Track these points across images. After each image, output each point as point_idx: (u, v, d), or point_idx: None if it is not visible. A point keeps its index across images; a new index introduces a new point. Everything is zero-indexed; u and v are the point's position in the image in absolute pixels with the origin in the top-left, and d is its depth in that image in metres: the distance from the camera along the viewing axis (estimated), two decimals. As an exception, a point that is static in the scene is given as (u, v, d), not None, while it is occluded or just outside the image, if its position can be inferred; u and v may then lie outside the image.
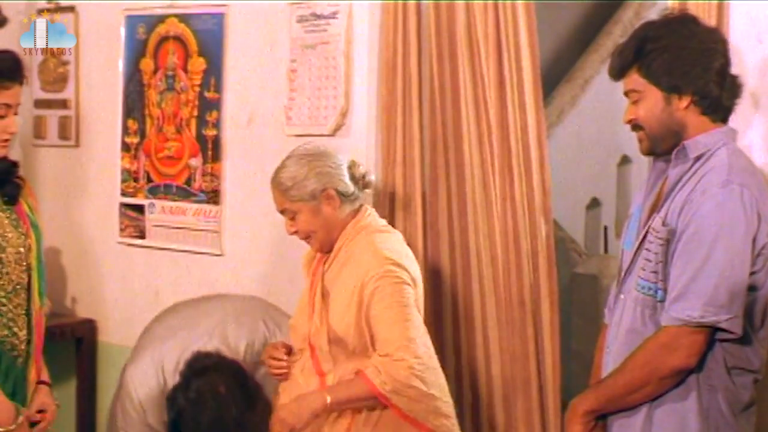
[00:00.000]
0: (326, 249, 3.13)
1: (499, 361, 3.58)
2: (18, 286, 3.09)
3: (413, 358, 2.92)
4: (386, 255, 3.00)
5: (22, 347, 3.11)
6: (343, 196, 3.10)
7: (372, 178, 3.23)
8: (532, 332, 3.55)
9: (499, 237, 3.58)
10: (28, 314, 3.11)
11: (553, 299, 3.53)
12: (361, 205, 3.16)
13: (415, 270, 3.08)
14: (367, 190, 3.22)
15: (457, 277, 3.64)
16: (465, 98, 3.59)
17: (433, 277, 3.67)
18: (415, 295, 3.05)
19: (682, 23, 2.66)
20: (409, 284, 3.01)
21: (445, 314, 3.66)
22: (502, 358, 3.58)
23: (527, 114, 3.53)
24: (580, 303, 5.21)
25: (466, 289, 3.62)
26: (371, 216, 3.16)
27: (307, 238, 3.13)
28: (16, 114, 3.11)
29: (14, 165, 3.18)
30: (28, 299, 3.12)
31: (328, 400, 2.95)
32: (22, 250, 3.10)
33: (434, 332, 3.46)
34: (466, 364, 3.64)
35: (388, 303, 2.95)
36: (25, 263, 3.11)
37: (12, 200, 3.13)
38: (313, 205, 3.07)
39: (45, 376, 3.21)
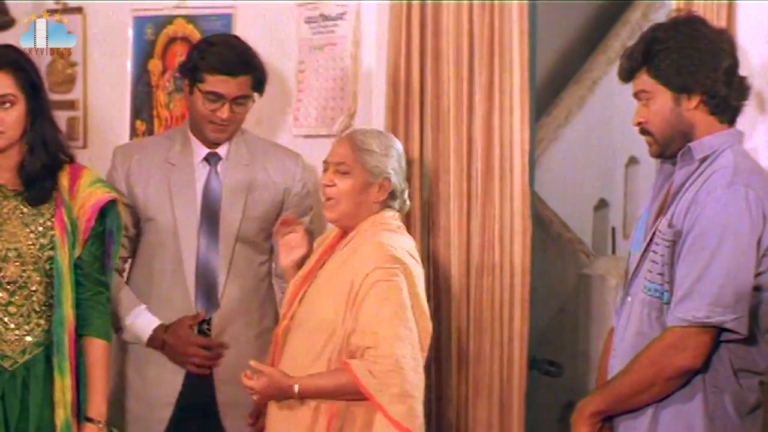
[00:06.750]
0: (337, 221, 3.10)
1: (458, 362, 3.61)
2: (14, 285, 2.99)
3: (401, 356, 2.89)
4: (389, 251, 2.98)
5: (12, 349, 2.97)
6: (391, 196, 3.10)
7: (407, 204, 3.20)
8: (498, 336, 3.56)
9: (477, 240, 3.59)
10: (49, 319, 2.99)
11: (524, 306, 3.54)
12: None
13: (419, 272, 3.05)
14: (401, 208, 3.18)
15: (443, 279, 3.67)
16: (458, 100, 3.60)
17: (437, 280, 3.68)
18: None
19: (689, 24, 2.68)
20: (404, 283, 2.97)
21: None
22: (467, 360, 3.61)
23: (513, 118, 3.52)
24: (587, 304, 5.20)
25: (436, 291, 3.65)
26: (390, 215, 3.11)
27: (330, 200, 3.08)
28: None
29: (47, 167, 3.03)
30: (45, 305, 3.00)
31: (296, 389, 2.92)
32: (32, 250, 2.99)
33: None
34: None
35: (384, 298, 2.93)
36: (37, 265, 3.00)
37: (34, 202, 3.02)
38: (366, 181, 3.05)
39: (93, 411, 3.00)
